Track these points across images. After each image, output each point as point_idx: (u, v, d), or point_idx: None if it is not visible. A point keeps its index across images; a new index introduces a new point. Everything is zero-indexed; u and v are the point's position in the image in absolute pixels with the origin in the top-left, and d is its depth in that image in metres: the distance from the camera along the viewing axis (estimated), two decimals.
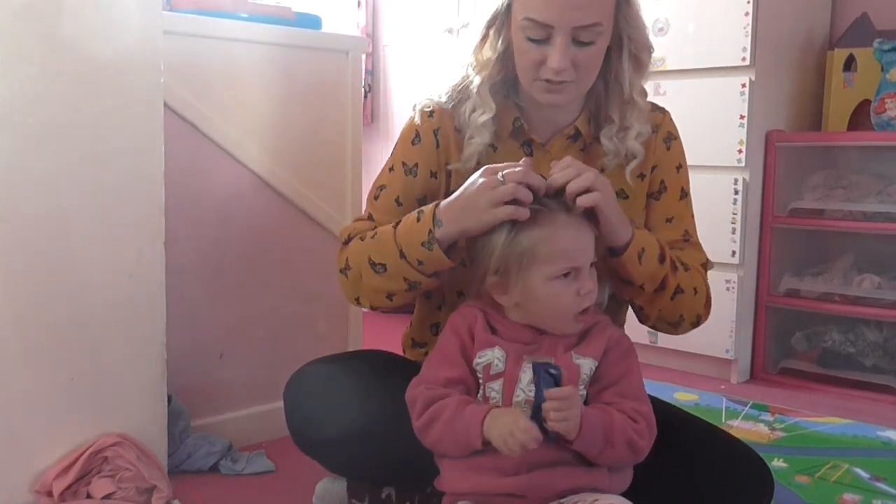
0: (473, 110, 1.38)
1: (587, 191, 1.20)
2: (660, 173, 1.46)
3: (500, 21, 1.35)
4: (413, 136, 1.43)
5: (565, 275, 1.19)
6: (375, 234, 1.36)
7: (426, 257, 1.28)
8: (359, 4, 3.82)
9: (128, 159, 1.57)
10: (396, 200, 1.43)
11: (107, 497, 1.51)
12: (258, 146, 2.00)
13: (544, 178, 1.22)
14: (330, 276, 2.16)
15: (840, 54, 2.74)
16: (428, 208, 1.30)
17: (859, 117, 2.72)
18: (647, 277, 1.32)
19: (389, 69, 3.83)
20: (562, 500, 1.16)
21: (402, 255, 1.30)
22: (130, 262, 1.58)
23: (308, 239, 2.12)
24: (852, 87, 2.73)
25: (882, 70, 2.61)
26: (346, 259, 1.41)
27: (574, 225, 1.20)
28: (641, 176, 1.44)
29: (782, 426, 2.25)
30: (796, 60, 2.77)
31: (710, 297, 1.43)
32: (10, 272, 1.46)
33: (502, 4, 1.33)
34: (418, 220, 1.30)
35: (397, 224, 1.34)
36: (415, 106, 1.46)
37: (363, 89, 3.27)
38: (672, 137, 1.47)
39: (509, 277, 1.20)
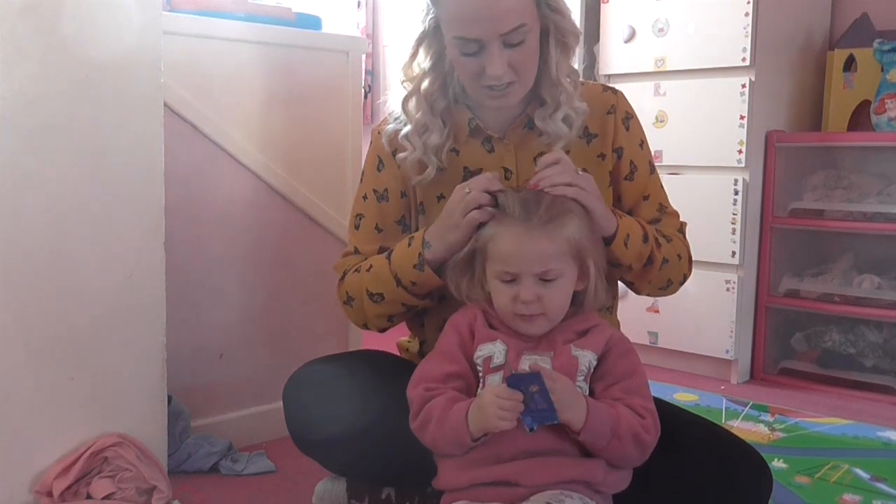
0: (404, 125, 1.43)
1: (568, 186, 1.27)
2: (627, 154, 1.48)
3: (430, 37, 1.38)
4: (377, 162, 1.50)
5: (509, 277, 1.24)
6: (371, 266, 1.43)
7: (418, 278, 1.36)
8: (359, 4, 3.82)
9: (128, 159, 1.57)
10: (376, 227, 1.49)
11: (107, 497, 1.51)
12: (258, 146, 2.00)
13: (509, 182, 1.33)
14: (329, 276, 2.16)
15: (840, 54, 2.74)
16: (418, 234, 1.38)
17: (859, 117, 2.72)
18: (634, 258, 1.38)
19: (389, 69, 3.83)
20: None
21: (398, 283, 1.38)
22: (130, 262, 1.58)
23: (308, 239, 2.12)
24: (852, 87, 2.73)
25: (882, 70, 2.61)
26: (347, 292, 1.48)
27: (526, 233, 1.23)
28: (602, 156, 1.47)
29: (782, 427, 2.25)
30: (796, 60, 2.77)
31: (691, 257, 1.52)
32: (10, 272, 1.46)
33: (429, 23, 1.36)
34: (409, 245, 1.38)
35: (390, 254, 1.41)
36: (373, 131, 1.52)
37: (363, 89, 3.27)
38: (630, 117, 1.50)
39: (478, 267, 1.28)
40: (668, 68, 2.73)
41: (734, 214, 2.63)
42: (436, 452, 1.26)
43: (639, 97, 2.76)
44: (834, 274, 2.70)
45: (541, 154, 1.39)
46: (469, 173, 1.42)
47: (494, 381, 1.23)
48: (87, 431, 1.56)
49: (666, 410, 1.33)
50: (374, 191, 1.49)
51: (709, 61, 2.65)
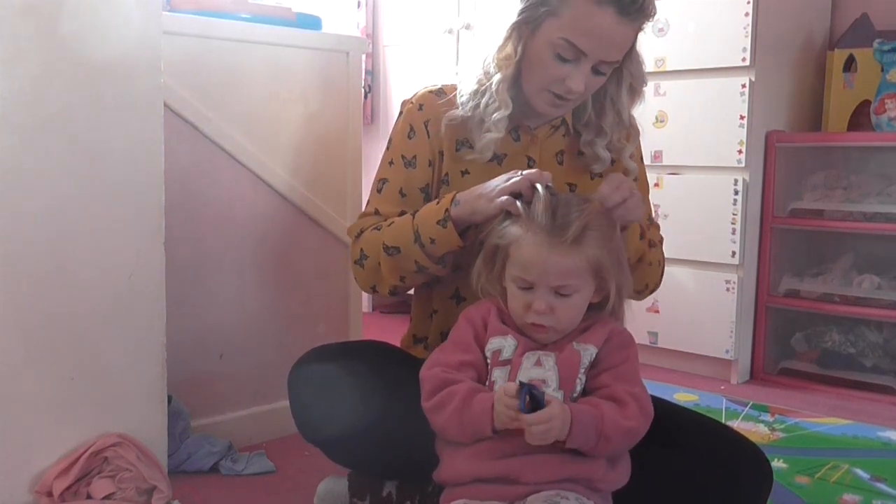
0: (487, 105, 1.45)
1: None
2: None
3: (530, 27, 1.40)
4: (408, 130, 1.52)
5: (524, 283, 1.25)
6: (392, 222, 1.44)
7: (438, 235, 1.36)
8: (359, 4, 3.82)
9: (128, 159, 1.57)
10: (400, 192, 1.51)
11: (107, 497, 1.51)
12: (258, 146, 2.00)
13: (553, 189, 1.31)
14: (330, 275, 2.18)
15: (840, 54, 2.74)
16: (448, 194, 1.39)
17: (859, 117, 2.72)
18: (632, 252, 1.43)
19: (389, 69, 3.83)
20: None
21: (417, 238, 1.38)
22: (130, 262, 1.58)
23: (308, 239, 2.12)
24: (852, 87, 2.73)
25: (882, 70, 2.61)
26: (361, 250, 1.48)
27: (548, 246, 1.23)
28: (612, 161, 1.55)
29: (782, 427, 2.25)
30: (796, 60, 2.77)
31: (664, 268, 1.62)
32: (9, 272, 1.46)
33: (536, 13, 1.38)
34: (438, 202, 1.39)
35: (416, 211, 1.42)
36: (404, 102, 1.55)
37: (363, 89, 3.27)
38: (637, 133, 1.60)
39: (498, 263, 1.29)
40: (667, 68, 2.73)
41: (734, 214, 2.63)
42: (443, 437, 1.27)
43: None
44: (834, 274, 2.70)
45: (560, 152, 1.53)
46: (494, 156, 1.49)
47: (501, 374, 1.24)
48: (87, 431, 1.56)
49: (666, 408, 1.34)
50: (403, 157, 1.51)
51: (708, 61, 2.65)
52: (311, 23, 2.14)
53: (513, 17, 1.40)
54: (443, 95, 1.51)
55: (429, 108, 1.51)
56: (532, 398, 1.14)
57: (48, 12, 1.45)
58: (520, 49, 1.41)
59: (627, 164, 1.54)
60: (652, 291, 1.59)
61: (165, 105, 1.65)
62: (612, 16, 1.34)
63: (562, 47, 1.36)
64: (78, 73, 1.49)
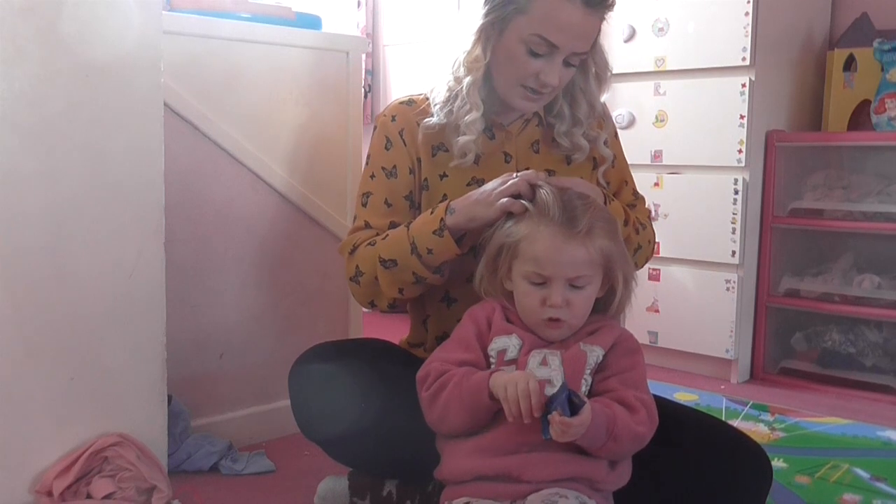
0: (460, 109, 1.47)
1: None
2: (611, 147, 1.61)
3: (497, 27, 1.42)
4: (384, 142, 1.53)
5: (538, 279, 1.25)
6: (387, 235, 1.44)
7: (436, 245, 1.37)
8: (359, 4, 3.82)
9: (128, 159, 1.57)
10: (385, 202, 1.51)
11: (107, 497, 1.51)
12: (258, 146, 2.00)
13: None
14: (330, 275, 2.18)
15: (840, 54, 2.74)
16: (442, 204, 1.40)
17: (859, 117, 2.72)
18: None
19: (389, 69, 3.83)
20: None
21: (413, 249, 1.38)
22: (130, 262, 1.58)
23: (308, 238, 2.12)
24: (852, 87, 2.73)
25: (882, 70, 2.61)
26: (356, 266, 1.48)
27: (563, 238, 1.24)
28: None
29: (782, 426, 2.26)
30: (796, 60, 2.77)
31: (655, 242, 1.65)
32: (9, 272, 1.46)
33: (504, 13, 1.40)
34: (432, 212, 1.40)
35: (410, 223, 1.43)
36: (378, 116, 1.57)
37: (363, 89, 3.27)
38: (609, 119, 1.64)
39: (503, 263, 1.29)
40: (667, 68, 2.73)
41: (734, 214, 2.63)
42: (441, 426, 1.26)
43: (639, 97, 2.77)
44: (834, 274, 2.70)
45: (536, 142, 1.54)
46: (473, 156, 1.48)
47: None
48: (87, 431, 1.56)
49: (666, 406, 1.34)
50: (383, 168, 1.52)
51: (709, 61, 2.65)
52: (311, 22, 2.14)
53: (478, 19, 1.43)
54: (413, 105, 1.54)
55: (401, 119, 1.53)
56: (570, 403, 1.13)
57: (48, 12, 1.45)
58: (489, 50, 1.43)
59: (603, 152, 1.56)
60: (643, 266, 1.62)
61: (165, 105, 1.65)
62: (580, 8, 1.38)
63: (534, 43, 1.39)
64: (78, 73, 1.49)
